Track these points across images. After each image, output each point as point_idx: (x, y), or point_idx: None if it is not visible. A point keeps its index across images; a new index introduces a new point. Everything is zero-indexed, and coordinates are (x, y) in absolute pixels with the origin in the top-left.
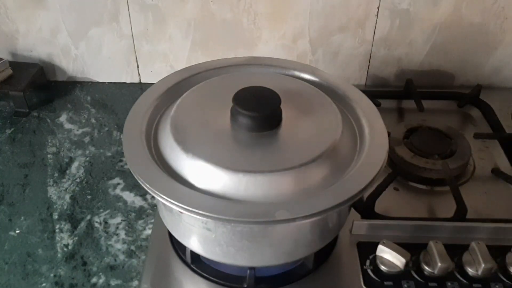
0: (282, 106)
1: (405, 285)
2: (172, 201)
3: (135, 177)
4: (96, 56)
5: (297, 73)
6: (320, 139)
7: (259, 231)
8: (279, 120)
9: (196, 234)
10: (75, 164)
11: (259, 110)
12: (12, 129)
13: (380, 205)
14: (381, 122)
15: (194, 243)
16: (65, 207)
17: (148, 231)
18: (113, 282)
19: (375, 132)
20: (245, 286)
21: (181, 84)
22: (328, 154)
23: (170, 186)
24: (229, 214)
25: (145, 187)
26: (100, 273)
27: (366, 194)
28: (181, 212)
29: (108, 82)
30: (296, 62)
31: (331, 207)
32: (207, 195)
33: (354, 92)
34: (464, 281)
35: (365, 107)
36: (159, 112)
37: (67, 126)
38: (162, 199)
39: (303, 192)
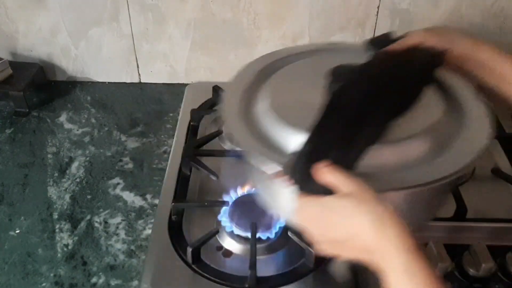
0: None
1: None
2: (271, 161)
3: (244, 152)
4: (96, 56)
5: None
6: (420, 115)
7: None
8: None
9: (289, 201)
10: (75, 164)
11: None
12: (12, 129)
13: None
14: (482, 99)
15: (287, 210)
16: (65, 207)
17: (148, 231)
18: (113, 282)
19: (477, 107)
20: (246, 286)
21: (274, 64)
22: (429, 130)
23: (270, 155)
24: None
25: (254, 160)
26: (100, 273)
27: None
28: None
29: (108, 82)
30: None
31: (446, 176)
32: None
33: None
34: (464, 281)
35: (462, 84)
36: (255, 86)
37: (67, 126)
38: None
39: (404, 165)
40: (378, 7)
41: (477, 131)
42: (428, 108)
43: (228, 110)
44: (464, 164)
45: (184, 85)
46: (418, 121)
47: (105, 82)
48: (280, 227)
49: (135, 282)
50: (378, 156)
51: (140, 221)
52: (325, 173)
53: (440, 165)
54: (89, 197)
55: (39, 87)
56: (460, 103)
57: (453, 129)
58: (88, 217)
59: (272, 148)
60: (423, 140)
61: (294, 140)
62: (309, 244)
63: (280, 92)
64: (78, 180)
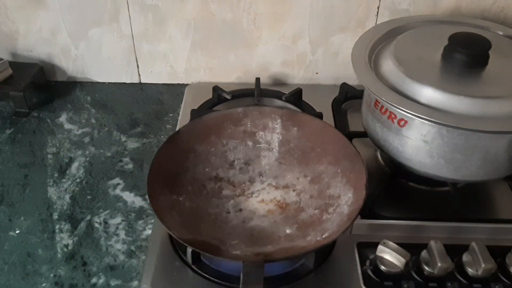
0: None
1: (405, 285)
2: (409, 111)
3: (377, 97)
4: (96, 56)
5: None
6: None
7: (472, 145)
8: (486, 60)
9: (410, 147)
10: (75, 164)
11: (472, 48)
12: (12, 129)
13: (380, 205)
14: None
15: (405, 156)
16: (65, 207)
17: (148, 231)
18: (113, 282)
19: None
20: None
21: (397, 29)
22: None
23: (398, 98)
24: (459, 123)
25: (383, 101)
26: (100, 273)
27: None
28: (401, 126)
29: (108, 82)
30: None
31: None
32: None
33: None
34: (464, 281)
35: None
36: (379, 45)
37: (67, 126)
38: (400, 110)
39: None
40: (378, 7)
41: None
42: None
43: (357, 63)
44: None
45: (184, 85)
46: None
47: (105, 83)
48: None
49: (135, 283)
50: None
51: (140, 222)
52: None
53: None
54: (89, 197)
55: (39, 87)
56: None
57: None
58: (88, 217)
59: (400, 96)
60: None
61: (419, 92)
62: None
63: (404, 50)
64: (78, 180)
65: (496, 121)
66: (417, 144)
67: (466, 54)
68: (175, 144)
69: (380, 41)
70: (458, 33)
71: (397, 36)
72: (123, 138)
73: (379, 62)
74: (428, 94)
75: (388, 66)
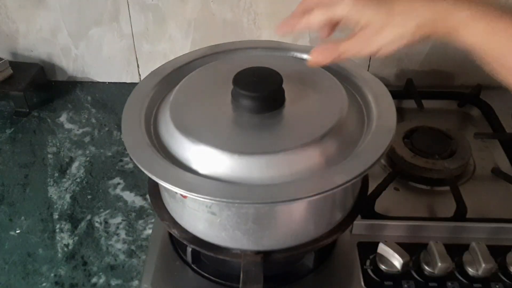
0: (285, 86)
1: (405, 285)
2: (175, 186)
3: (137, 164)
4: (96, 56)
5: (299, 55)
6: (326, 117)
7: (265, 213)
8: (282, 100)
9: (201, 220)
10: (76, 164)
11: (260, 90)
12: (12, 129)
13: (380, 205)
14: (389, 98)
15: (199, 229)
16: (66, 207)
17: (149, 231)
18: (113, 282)
19: (383, 107)
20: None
21: (180, 70)
22: (335, 132)
23: (173, 171)
24: (232, 196)
25: (147, 173)
26: (100, 273)
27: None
28: (183, 196)
29: (108, 82)
30: (297, 44)
31: (337, 186)
32: (210, 179)
33: (359, 69)
34: (464, 281)
35: (371, 83)
36: (158, 98)
37: (67, 126)
38: (165, 185)
39: (309, 171)
40: None
41: (380, 134)
42: (333, 108)
43: (127, 122)
44: (359, 172)
45: None
46: (322, 123)
47: (106, 82)
48: None
49: (136, 282)
50: (276, 166)
51: (140, 221)
52: None
53: (342, 170)
54: (89, 197)
55: (40, 87)
56: (366, 103)
57: (358, 130)
58: (89, 217)
59: (173, 161)
60: (327, 143)
61: (190, 151)
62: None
63: (184, 98)
64: (78, 180)
65: (281, 187)
66: (206, 217)
67: (252, 98)
68: None
69: (163, 88)
70: (243, 70)
71: (182, 79)
72: None
73: (158, 120)
74: (209, 157)
75: (165, 124)
